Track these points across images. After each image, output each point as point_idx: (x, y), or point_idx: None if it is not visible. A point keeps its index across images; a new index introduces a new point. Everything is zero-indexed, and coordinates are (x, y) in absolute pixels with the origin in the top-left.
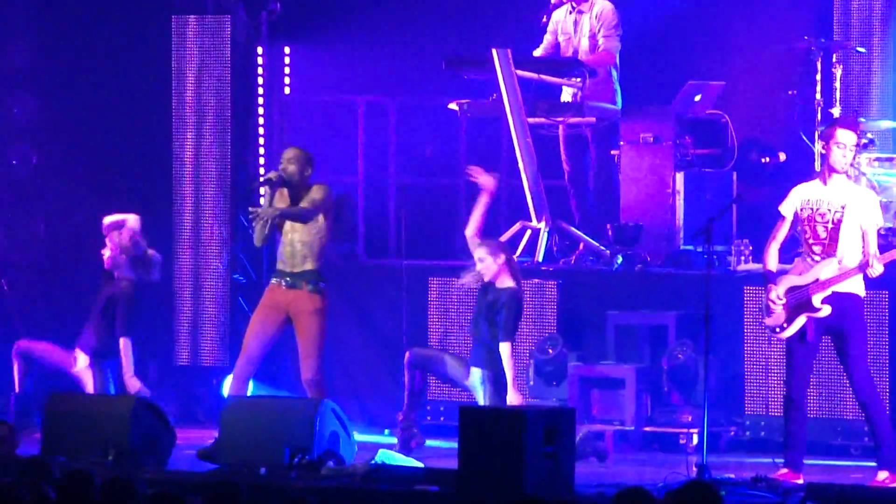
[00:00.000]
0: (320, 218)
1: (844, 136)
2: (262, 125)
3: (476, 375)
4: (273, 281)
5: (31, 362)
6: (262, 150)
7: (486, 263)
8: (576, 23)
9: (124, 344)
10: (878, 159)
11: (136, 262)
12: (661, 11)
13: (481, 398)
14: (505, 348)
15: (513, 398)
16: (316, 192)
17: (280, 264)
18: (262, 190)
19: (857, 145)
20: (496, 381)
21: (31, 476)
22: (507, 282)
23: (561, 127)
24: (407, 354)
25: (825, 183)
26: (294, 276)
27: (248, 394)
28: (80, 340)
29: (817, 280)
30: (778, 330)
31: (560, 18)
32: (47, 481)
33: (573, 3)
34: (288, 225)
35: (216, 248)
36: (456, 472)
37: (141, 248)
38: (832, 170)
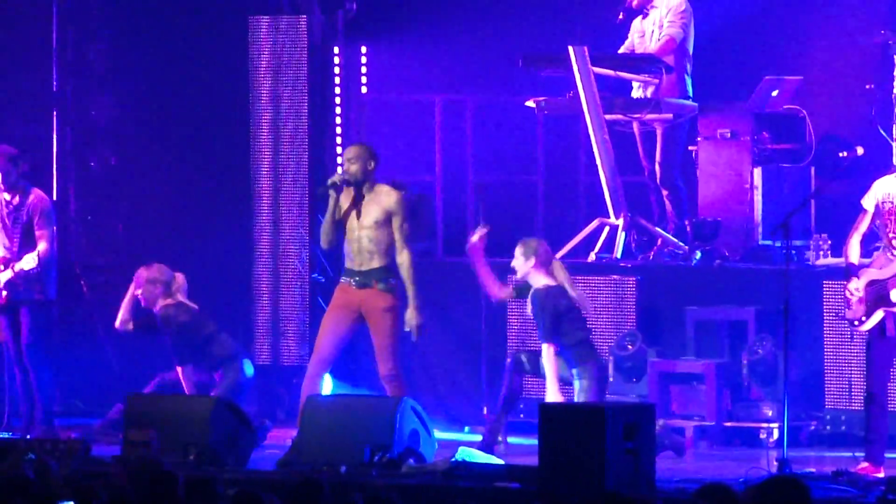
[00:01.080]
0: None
1: None
2: (339, 125)
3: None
4: (343, 280)
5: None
6: (339, 150)
7: (518, 263)
8: (651, 21)
9: (182, 372)
10: None
11: (168, 288)
12: (737, 7)
13: (577, 393)
14: (545, 350)
15: (552, 398)
16: (394, 205)
17: (348, 262)
18: (329, 193)
19: None
20: (597, 378)
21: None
22: (539, 280)
23: (635, 124)
24: (509, 360)
25: None
26: (363, 275)
27: (325, 392)
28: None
29: (895, 275)
30: (857, 323)
31: (637, 23)
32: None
33: (644, 7)
34: (353, 222)
35: (295, 248)
36: (536, 468)
37: (169, 275)
38: None
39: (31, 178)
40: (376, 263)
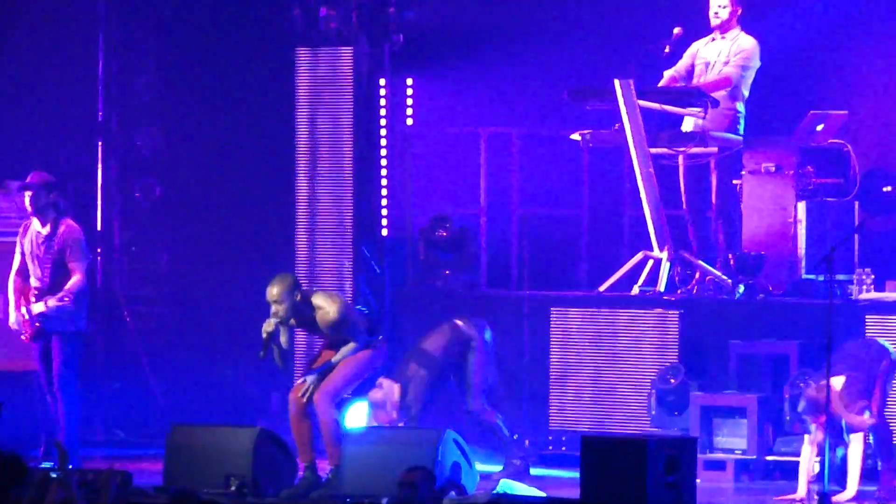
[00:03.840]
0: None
1: None
2: (384, 157)
3: None
4: None
5: None
6: (384, 182)
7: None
8: (717, 52)
9: None
10: None
11: None
12: (784, 42)
13: None
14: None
15: None
16: (333, 320)
17: None
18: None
19: None
20: None
21: None
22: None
23: (681, 157)
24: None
25: None
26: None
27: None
28: None
29: None
30: None
31: (701, 45)
32: None
33: (719, 31)
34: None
35: (337, 280)
36: (578, 501)
37: None
38: None
39: (68, 208)
40: (345, 333)
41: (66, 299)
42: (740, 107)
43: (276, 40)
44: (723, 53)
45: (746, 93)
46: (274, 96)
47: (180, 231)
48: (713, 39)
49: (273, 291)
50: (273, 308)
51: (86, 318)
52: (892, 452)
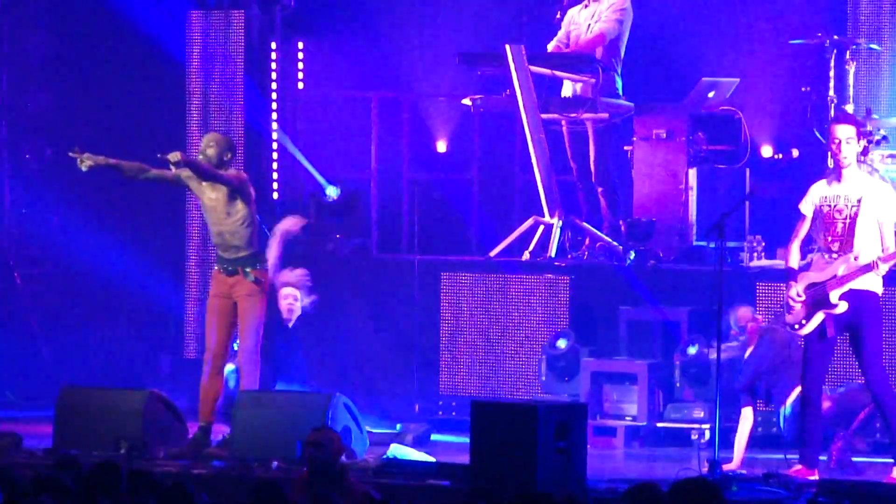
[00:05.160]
0: (240, 206)
1: (841, 131)
2: (275, 120)
3: None
4: (215, 268)
5: None
6: (275, 146)
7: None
8: (591, 14)
9: None
10: (891, 156)
11: None
12: (675, 7)
13: None
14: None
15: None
16: (232, 171)
17: (219, 251)
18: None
19: (861, 135)
20: None
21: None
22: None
23: (564, 123)
24: None
25: (839, 179)
26: (231, 262)
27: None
28: None
29: (835, 277)
30: (797, 327)
31: (574, 12)
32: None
33: None
34: (213, 217)
35: None
36: (467, 466)
37: None
38: (840, 165)
39: None
40: (243, 253)
41: None
42: (618, 67)
43: (168, 2)
44: (596, 14)
45: (623, 51)
46: (166, 59)
47: (71, 193)
48: (586, 6)
49: (213, 136)
50: (203, 147)
51: None
52: (858, 425)
